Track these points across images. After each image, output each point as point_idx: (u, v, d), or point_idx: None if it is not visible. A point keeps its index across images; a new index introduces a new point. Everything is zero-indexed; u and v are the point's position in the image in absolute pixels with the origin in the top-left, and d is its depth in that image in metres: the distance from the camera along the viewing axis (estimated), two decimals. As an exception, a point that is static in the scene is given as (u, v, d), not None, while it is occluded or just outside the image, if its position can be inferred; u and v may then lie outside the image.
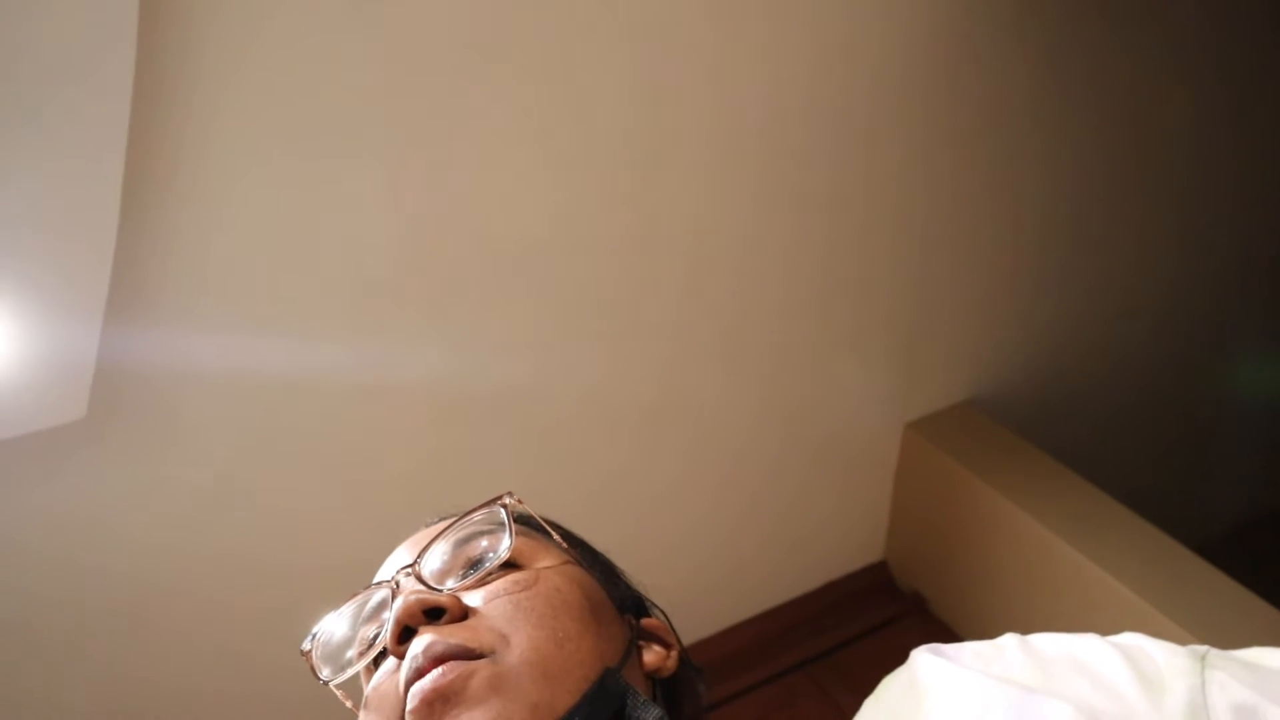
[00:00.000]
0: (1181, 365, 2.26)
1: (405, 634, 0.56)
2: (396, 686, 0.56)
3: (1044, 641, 0.51)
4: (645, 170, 1.49)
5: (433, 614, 0.57)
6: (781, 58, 1.50)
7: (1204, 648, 0.48)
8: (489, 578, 0.60)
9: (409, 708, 0.53)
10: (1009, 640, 0.52)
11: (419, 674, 0.54)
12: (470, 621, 0.56)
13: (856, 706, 0.55)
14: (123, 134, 1.06)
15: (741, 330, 1.72)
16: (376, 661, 0.61)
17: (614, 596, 0.65)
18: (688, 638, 2.17)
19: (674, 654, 0.65)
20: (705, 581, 1.94)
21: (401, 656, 0.55)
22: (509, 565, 0.61)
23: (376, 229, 1.36)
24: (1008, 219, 1.87)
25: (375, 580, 0.63)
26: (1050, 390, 2.11)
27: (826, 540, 2.06)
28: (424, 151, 1.34)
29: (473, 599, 0.58)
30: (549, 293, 1.53)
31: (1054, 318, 2.05)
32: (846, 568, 2.10)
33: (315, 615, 0.62)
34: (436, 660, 0.53)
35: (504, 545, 0.60)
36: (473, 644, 0.54)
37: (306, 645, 0.61)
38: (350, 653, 0.61)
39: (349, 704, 0.62)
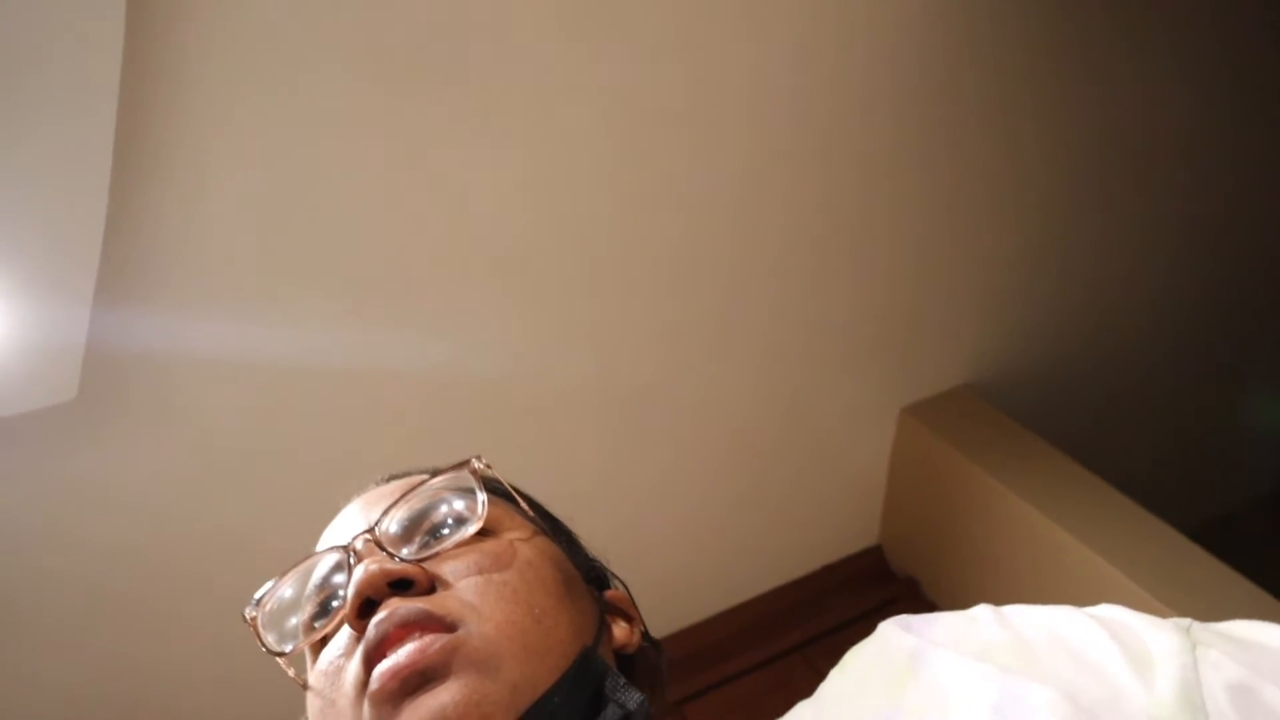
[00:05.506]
0: (1179, 351, 2.26)
1: (366, 607, 0.51)
2: (351, 663, 0.51)
3: (1020, 614, 0.47)
4: (634, 158, 1.48)
5: (397, 586, 0.52)
6: (771, 39, 1.48)
7: (1186, 621, 0.45)
8: (458, 548, 0.55)
9: (376, 686, 0.48)
10: (983, 612, 0.49)
11: (386, 641, 0.49)
12: (439, 595, 0.52)
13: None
14: (111, 115, 1.05)
15: (736, 315, 1.71)
16: (325, 636, 0.56)
17: (580, 568, 0.61)
18: (684, 622, 2.16)
19: (637, 628, 0.62)
20: (701, 566, 1.94)
21: (362, 631, 0.51)
22: (478, 534, 0.56)
23: (369, 214, 1.35)
24: (1005, 203, 1.86)
25: (327, 544, 0.58)
26: (1047, 375, 2.11)
27: (821, 524, 2.06)
28: (417, 139, 1.33)
29: (440, 570, 0.54)
30: (541, 281, 1.52)
31: (1051, 303, 2.04)
32: (841, 552, 2.10)
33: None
34: (406, 626, 0.49)
35: (477, 514, 0.56)
36: (441, 612, 0.50)
37: (250, 612, 0.56)
38: (294, 621, 0.56)
39: (291, 673, 0.57)
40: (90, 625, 1.45)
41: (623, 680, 0.52)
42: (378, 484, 0.63)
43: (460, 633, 0.50)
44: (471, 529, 0.56)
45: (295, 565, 0.57)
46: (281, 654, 0.56)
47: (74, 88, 1.01)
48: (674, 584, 1.88)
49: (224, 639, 1.55)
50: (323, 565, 0.56)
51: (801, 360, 1.82)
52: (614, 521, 1.75)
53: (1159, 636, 0.43)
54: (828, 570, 2.09)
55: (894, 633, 0.49)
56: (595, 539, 0.68)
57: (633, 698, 0.51)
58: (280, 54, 1.20)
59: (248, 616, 0.56)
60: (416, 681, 0.48)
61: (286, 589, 0.57)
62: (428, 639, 0.49)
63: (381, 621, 0.50)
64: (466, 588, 0.52)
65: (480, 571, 0.53)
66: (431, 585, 0.53)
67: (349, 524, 0.59)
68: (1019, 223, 1.91)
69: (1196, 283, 2.21)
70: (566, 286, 1.54)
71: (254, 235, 1.30)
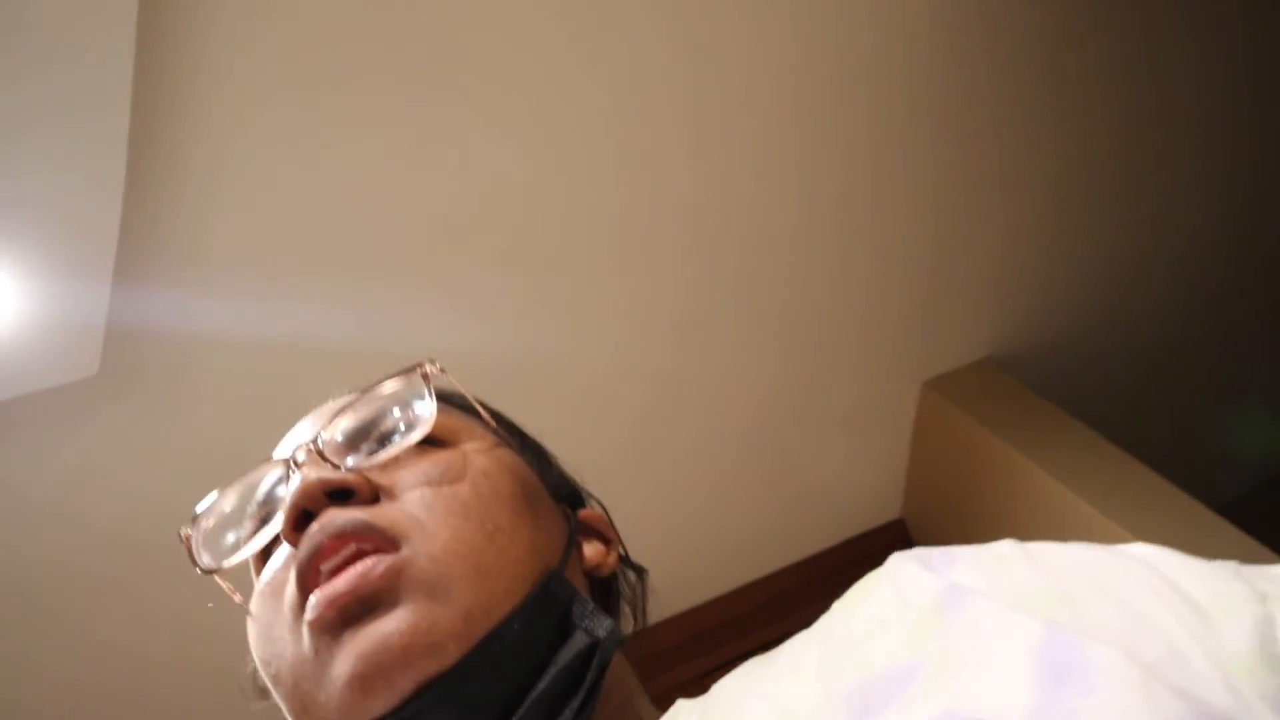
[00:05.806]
0: (1204, 324, 2.23)
1: (303, 519, 0.47)
2: (289, 580, 0.47)
3: (1053, 554, 0.41)
4: (651, 135, 1.47)
5: (337, 496, 0.48)
6: (783, 14, 1.46)
7: (1233, 564, 0.39)
8: (406, 457, 0.51)
9: (314, 615, 0.44)
10: (1010, 549, 0.43)
11: (319, 554, 0.45)
12: (382, 506, 0.48)
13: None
14: (127, 93, 1.05)
15: (756, 290, 1.70)
16: (267, 553, 0.52)
17: (548, 485, 0.57)
18: (706, 595, 2.16)
19: (614, 550, 0.58)
20: (723, 541, 1.94)
21: (298, 546, 0.47)
22: (429, 444, 0.52)
23: (386, 199, 1.35)
24: (1025, 174, 1.84)
25: (272, 456, 0.54)
26: (1070, 347, 2.09)
27: (844, 498, 2.05)
28: (433, 119, 1.32)
29: (386, 481, 0.49)
30: (559, 261, 1.51)
31: (1074, 274, 2.02)
32: (864, 526, 2.10)
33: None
34: (341, 537, 0.45)
35: (424, 419, 0.52)
36: (383, 524, 0.46)
37: (186, 530, 0.52)
38: (232, 538, 0.52)
39: (238, 599, 0.53)
40: (99, 610, 1.46)
41: (591, 605, 0.48)
42: (335, 399, 0.59)
43: (405, 552, 0.45)
44: (418, 434, 0.51)
45: (236, 480, 0.53)
46: (216, 570, 0.52)
47: (91, 72, 1.01)
48: (697, 558, 1.88)
49: (240, 627, 1.55)
50: (266, 480, 0.52)
51: (823, 335, 1.81)
52: (638, 498, 1.74)
53: (1219, 585, 0.37)
54: (850, 544, 2.08)
55: (913, 570, 0.43)
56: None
57: (602, 624, 0.47)
58: (297, 36, 1.19)
59: (182, 535, 0.53)
60: (358, 610, 0.44)
61: (227, 505, 0.53)
62: (370, 562, 0.44)
63: (315, 533, 0.46)
64: (413, 500, 0.48)
65: (429, 483, 0.49)
66: (375, 495, 0.49)
67: (297, 436, 0.56)
68: (1040, 195, 1.88)
69: (1220, 255, 2.18)
70: (584, 265, 1.53)
71: (272, 216, 1.30)
